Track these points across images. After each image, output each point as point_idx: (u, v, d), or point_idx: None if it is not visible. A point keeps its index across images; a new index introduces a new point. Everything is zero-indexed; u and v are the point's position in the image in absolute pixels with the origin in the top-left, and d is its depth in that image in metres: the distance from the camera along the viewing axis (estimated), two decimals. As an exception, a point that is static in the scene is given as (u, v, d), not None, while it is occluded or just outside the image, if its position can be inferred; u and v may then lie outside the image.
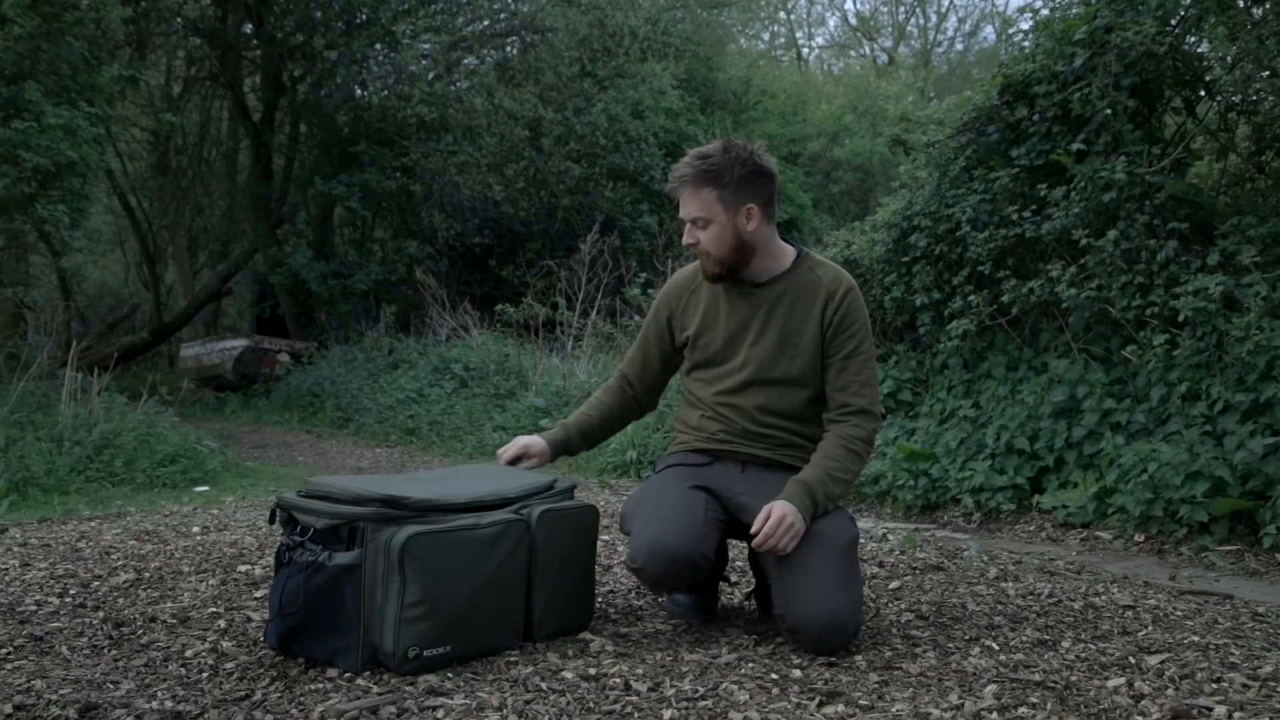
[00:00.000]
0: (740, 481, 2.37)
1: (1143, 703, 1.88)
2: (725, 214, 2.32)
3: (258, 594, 2.68)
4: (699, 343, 2.47)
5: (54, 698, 1.86)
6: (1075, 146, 4.70)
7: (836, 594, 2.15)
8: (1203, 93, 5.00)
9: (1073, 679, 2.02)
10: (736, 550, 3.30)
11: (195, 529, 3.78)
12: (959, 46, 25.81)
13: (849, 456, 2.31)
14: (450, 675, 2.01)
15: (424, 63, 13.43)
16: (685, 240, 2.38)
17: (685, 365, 2.54)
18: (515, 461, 2.48)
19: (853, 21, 27.79)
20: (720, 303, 2.45)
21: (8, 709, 1.80)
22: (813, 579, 2.15)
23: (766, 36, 25.86)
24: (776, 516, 2.15)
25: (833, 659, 2.14)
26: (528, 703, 1.86)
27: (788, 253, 2.43)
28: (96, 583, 2.79)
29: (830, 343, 2.37)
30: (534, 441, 2.49)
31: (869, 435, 2.35)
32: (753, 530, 2.17)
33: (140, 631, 2.33)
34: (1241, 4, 4.51)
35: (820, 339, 2.37)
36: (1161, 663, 2.14)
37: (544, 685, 1.95)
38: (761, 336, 2.39)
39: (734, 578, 2.96)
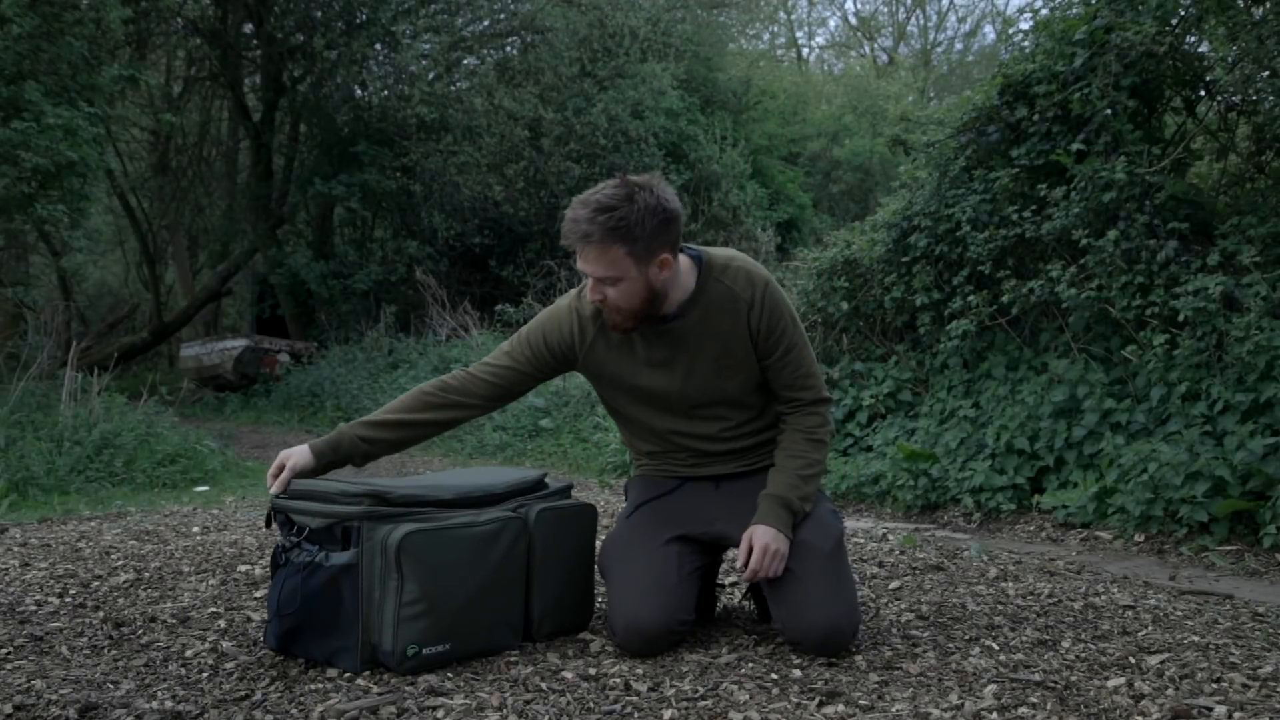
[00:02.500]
0: (714, 504, 2.32)
1: (1143, 703, 1.88)
2: (637, 269, 2.09)
3: (258, 594, 2.68)
4: (622, 384, 2.29)
5: (54, 698, 1.86)
6: (1075, 146, 4.70)
7: (832, 601, 2.14)
8: (1203, 93, 5.00)
9: (1073, 679, 2.02)
10: (734, 552, 3.30)
11: (195, 529, 3.78)
12: (959, 46, 25.84)
13: (813, 448, 2.27)
14: (450, 675, 2.01)
15: (424, 63, 13.42)
16: (590, 297, 2.16)
17: (620, 401, 2.35)
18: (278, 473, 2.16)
19: (853, 21, 27.83)
20: (635, 343, 2.25)
21: (8, 709, 1.80)
22: (806, 591, 2.15)
23: (766, 36, 25.88)
24: (760, 548, 2.13)
25: (832, 659, 2.14)
26: (528, 703, 1.86)
27: (690, 270, 2.22)
28: (96, 583, 2.79)
29: (761, 347, 2.24)
30: (293, 452, 2.17)
31: (827, 418, 2.31)
32: (738, 566, 2.15)
33: (140, 631, 2.33)
34: (1241, 4, 4.50)
35: (753, 347, 2.24)
36: (1161, 663, 2.14)
37: (544, 685, 1.95)
38: (693, 369, 2.25)
39: (734, 577, 2.96)
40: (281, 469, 2.15)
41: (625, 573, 2.22)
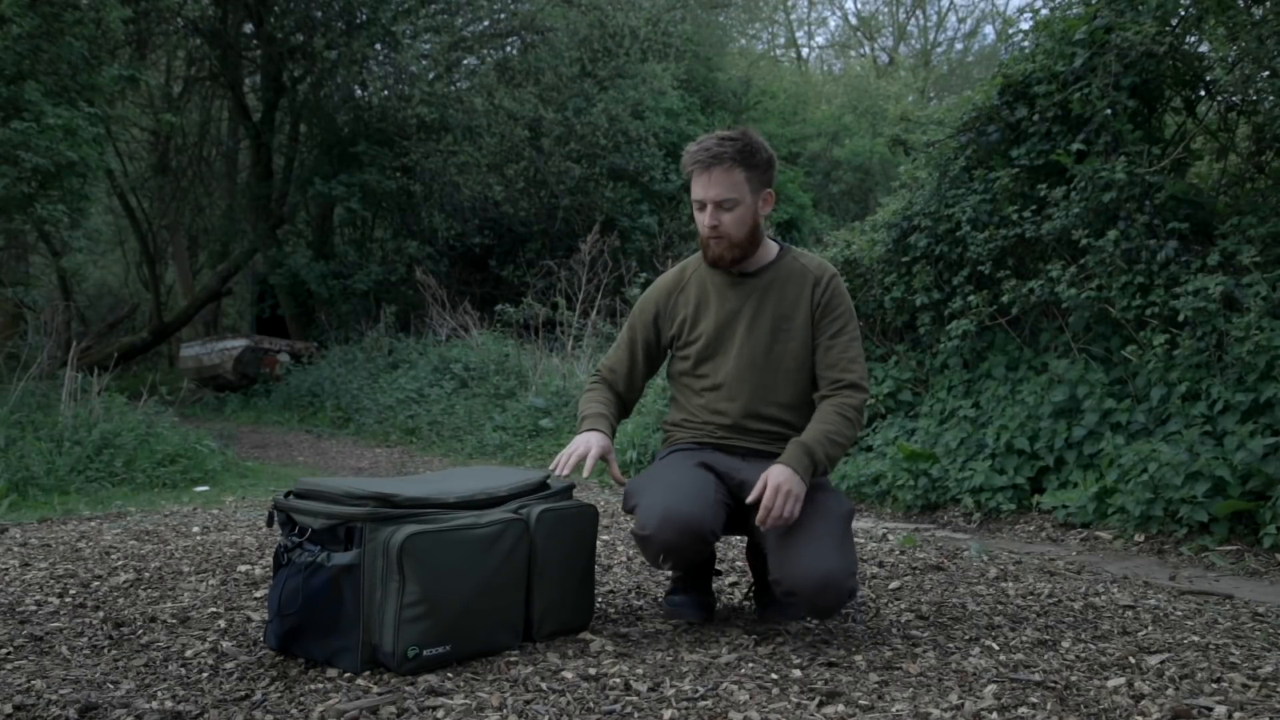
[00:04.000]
0: (742, 467, 2.38)
1: (1143, 703, 1.88)
2: (751, 197, 2.36)
3: (258, 594, 2.68)
4: (689, 334, 2.48)
5: (54, 698, 1.86)
6: (1075, 146, 4.70)
7: (831, 555, 2.16)
8: (1203, 93, 5.00)
9: (1073, 679, 2.02)
10: (736, 550, 3.30)
11: (195, 529, 3.78)
12: (959, 46, 25.84)
13: (844, 422, 2.33)
14: (450, 675, 2.01)
15: (424, 63, 13.42)
16: (708, 222, 2.36)
17: (674, 361, 2.54)
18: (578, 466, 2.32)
19: (853, 21, 27.82)
20: (710, 293, 2.48)
21: (8, 709, 1.80)
22: (808, 541, 2.17)
23: (766, 36, 25.88)
24: (773, 485, 2.15)
25: (833, 659, 2.14)
26: (528, 703, 1.86)
27: (771, 245, 2.51)
28: (96, 583, 2.79)
29: (819, 323, 2.43)
30: (592, 442, 2.33)
31: (860, 404, 2.39)
32: (749, 499, 2.17)
33: (140, 631, 2.33)
34: (1241, 4, 4.50)
35: (810, 321, 2.43)
36: (1161, 663, 2.14)
37: (544, 685, 1.95)
38: (755, 323, 2.42)
39: (733, 577, 2.96)
40: (585, 456, 2.29)
41: (661, 484, 2.27)
